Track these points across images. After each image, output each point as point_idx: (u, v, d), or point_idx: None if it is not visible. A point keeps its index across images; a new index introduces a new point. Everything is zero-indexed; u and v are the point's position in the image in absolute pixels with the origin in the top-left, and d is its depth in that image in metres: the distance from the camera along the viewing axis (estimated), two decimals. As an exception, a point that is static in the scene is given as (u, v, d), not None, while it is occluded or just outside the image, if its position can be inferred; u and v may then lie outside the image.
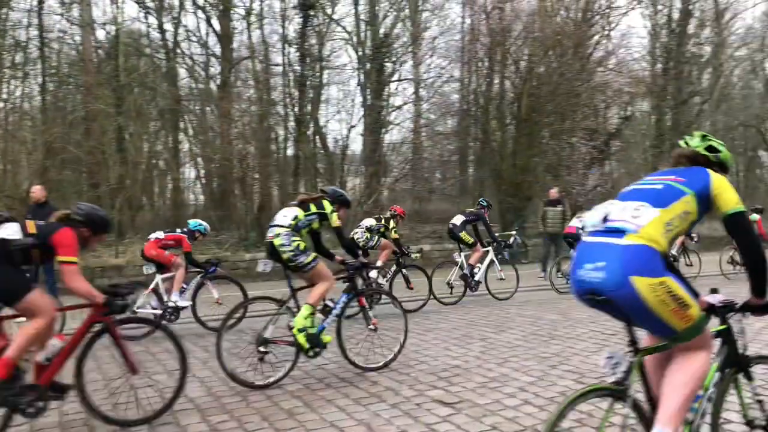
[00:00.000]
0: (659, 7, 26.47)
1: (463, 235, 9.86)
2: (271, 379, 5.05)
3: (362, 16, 20.62)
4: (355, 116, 20.85)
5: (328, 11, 20.14)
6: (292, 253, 5.23)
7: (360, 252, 7.30)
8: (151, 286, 7.66)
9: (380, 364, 5.53)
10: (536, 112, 19.80)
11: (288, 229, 5.30)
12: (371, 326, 5.76)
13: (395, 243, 9.03)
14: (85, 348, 4.12)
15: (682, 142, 3.05)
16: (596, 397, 2.62)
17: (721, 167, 2.92)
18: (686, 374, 2.59)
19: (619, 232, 2.52)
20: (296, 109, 20.00)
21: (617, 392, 2.57)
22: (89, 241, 4.24)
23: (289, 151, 21.22)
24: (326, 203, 5.59)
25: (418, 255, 10.06)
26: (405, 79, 21.80)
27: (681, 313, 2.46)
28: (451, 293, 9.72)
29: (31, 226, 3.97)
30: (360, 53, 20.47)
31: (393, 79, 21.18)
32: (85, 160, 16.98)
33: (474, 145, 23.22)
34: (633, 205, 2.60)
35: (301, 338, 5.15)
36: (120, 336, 4.20)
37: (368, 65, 20.03)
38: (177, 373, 4.40)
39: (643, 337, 2.81)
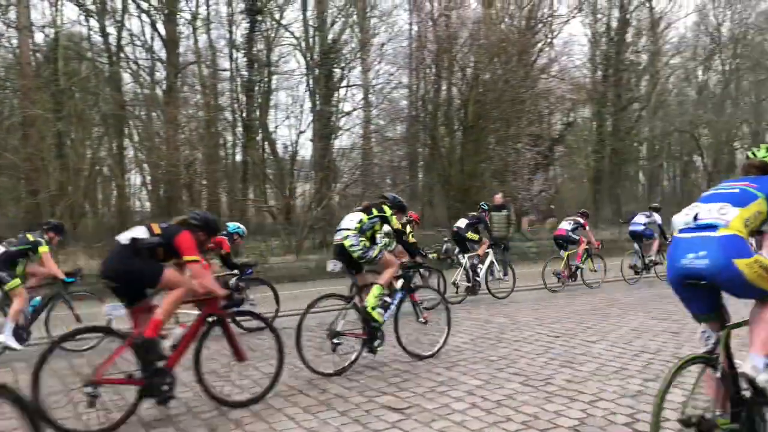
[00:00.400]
0: (599, 16, 27.45)
1: (469, 234, 10.54)
2: (341, 367, 5.59)
3: (310, 22, 20.63)
4: (304, 122, 20.83)
5: (276, 16, 20.09)
6: (361, 251, 5.93)
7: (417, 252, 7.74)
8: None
9: (431, 352, 6.19)
10: (482, 118, 20.20)
11: (355, 231, 5.96)
12: (422, 320, 6.39)
13: (412, 246, 9.09)
14: (202, 338, 4.67)
15: (750, 154, 3.59)
16: (693, 364, 3.18)
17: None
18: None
19: (712, 227, 3.08)
20: (244, 114, 19.82)
21: (709, 360, 3.20)
22: (204, 243, 4.86)
23: (238, 157, 21.02)
24: (386, 208, 6.26)
25: (434, 255, 10.82)
26: (354, 85, 21.92)
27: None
28: (456, 293, 10.23)
29: (156, 227, 4.59)
30: (308, 59, 20.44)
31: (342, 84, 21.25)
32: (23, 166, 16.40)
33: (423, 151, 23.49)
34: (717, 206, 3.15)
35: (375, 314, 5.84)
36: (230, 327, 4.88)
37: (317, 71, 20.03)
38: (275, 362, 4.95)
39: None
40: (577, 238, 11.96)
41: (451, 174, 20.51)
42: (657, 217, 13.04)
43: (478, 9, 23.11)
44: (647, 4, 27.91)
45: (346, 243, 5.92)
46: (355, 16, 22.21)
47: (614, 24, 27.09)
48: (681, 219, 3.26)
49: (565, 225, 12.16)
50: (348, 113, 21.36)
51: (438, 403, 4.68)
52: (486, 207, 11.47)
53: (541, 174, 22.87)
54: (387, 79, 21.68)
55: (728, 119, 28.38)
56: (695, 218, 3.17)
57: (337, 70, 20.47)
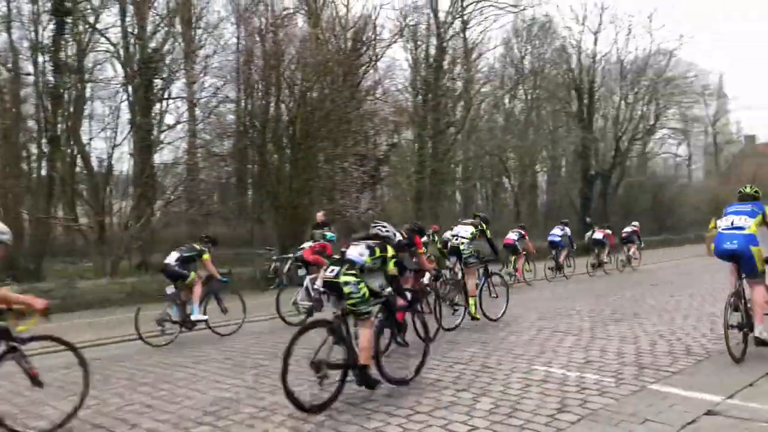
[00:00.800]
0: (419, 43, 29.06)
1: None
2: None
3: (130, 29, 19.40)
4: (121, 134, 19.47)
5: (91, 20, 18.62)
6: (468, 254, 9.04)
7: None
8: (306, 284, 10.04)
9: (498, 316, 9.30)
10: (310, 136, 20.33)
11: (468, 240, 9.12)
12: (494, 295, 9.62)
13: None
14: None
15: (741, 189, 6.70)
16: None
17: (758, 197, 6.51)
18: (761, 293, 6.05)
19: (741, 228, 6.10)
20: (50, 124, 18.07)
21: None
22: None
23: (44, 171, 19.08)
24: (482, 223, 9.51)
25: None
26: (177, 98, 20.93)
27: (762, 261, 6.03)
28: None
29: None
30: (127, 68, 19.20)
31: (164, 96, 20.21)
32: None
33: (252, 168, 23.07)
34: (742, 217, 6.16)
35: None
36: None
37: (136, 81, 18.86)
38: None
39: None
40: (521, 247, 15.18)
41: (280, 191, 20.34)
42: (568, 230, 17.26)
43: (305, 27, 23.36)
44: (461, 35, 30.12)
45: (464, 250, 9.15)
46: (178, 26, 21.33)
47: (433, 51, 28.87)
48: (723, 223, 6.32)
49: (512, 235, 15.29)
50: (171, 126, 20.34)
51: (259, 429, 4.58)
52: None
53: (368, 192, 23.53)
54: (213, 92, 21.05)
55: (530, 145, 31.43)
56: (732, 223, 6.20)
57: (158, 81, 19.44)
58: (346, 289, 5.25)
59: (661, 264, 21.21)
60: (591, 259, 17.91)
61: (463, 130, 29.70)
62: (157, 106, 20.02)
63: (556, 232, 17.03)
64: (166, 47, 20.13)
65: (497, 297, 9.56)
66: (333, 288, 5.40)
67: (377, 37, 24.25)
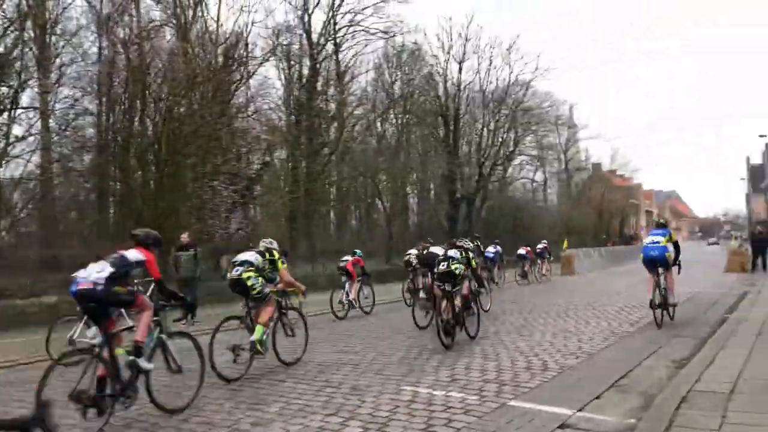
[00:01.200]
0: (292, 62, 29.05)
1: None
2: None
3: (-29, 31, 17.67)
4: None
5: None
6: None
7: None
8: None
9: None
10: (178, 153, 19.56)
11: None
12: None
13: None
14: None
15: (656, 220, 13.02)
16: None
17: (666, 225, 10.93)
18: (671, 279, 10.15)
19: (659, 243, 10.04)
20: None
21: None
22: None
23: None
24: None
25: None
26: (28, 108, 19.29)
27: (671, 261, 10.10)
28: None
29: None
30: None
31: (12, 106, 18.54)
32: None
33: (114, 185, 21.70)
34: (658, 236, 10.16)
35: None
36: None
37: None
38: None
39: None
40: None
41: (144, 210, 19.29)
42: (499, 249, 20.45)
43: (173, 41, 22.55)
44: (334, 57, 30.52)
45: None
46: (31, 31, 19.75)
47: (306, 71, 28.97)
48: (646, 240, 10.61)
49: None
50: (22, 138, 18.68)
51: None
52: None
53: (239, 212, 22.96)
54: (71, 104, 19.66)
55: (401, 167, 32.39)
56: (653, 241, 10.09)
57: (5, 89, 17.84)
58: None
59: (516, 283, 22.49)
60: (518, 270, 22.26)
61: (337, 152, 29.97)
62: (5, 115, 18.34)
63: (491, 250, 19.86)
64: (16, 52, 18.56)
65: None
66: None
67: (249, 55, 23.92)
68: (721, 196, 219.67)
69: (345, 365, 7.59)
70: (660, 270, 9.89)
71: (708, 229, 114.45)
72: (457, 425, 4.88)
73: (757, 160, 79.36)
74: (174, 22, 24.13)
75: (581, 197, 62.99)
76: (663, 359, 7.39)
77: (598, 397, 5.64)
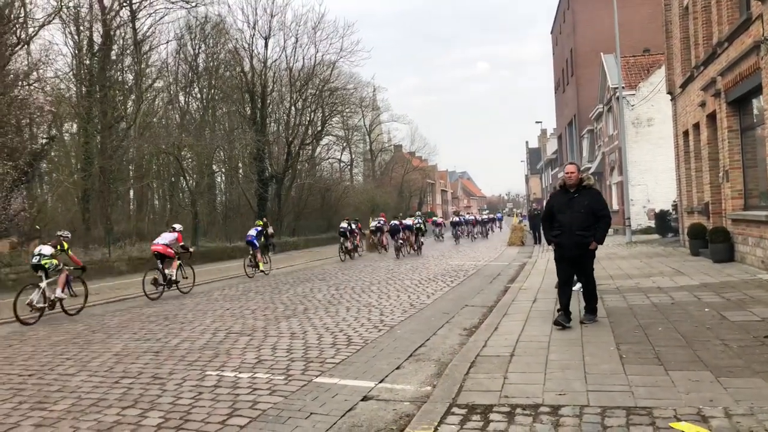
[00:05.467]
0: (81, 28, 26.35)
1: None
2: None
3: None
4: None
5: None
6: None
7: None
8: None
9: None
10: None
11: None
12: None
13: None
14: None
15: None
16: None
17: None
18: None
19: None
20: None
21: None
22: None
23: None
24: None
25: None
26: None
27: None
28: None
29: None
30: None
31: None
32: None
33: None
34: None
35: None
36: None
37: None
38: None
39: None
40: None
41: None
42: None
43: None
44: (131, 25, 28.27)
45: None
46: None
47: (97, 38, 26.48)
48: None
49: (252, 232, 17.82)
50: None
51: None
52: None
53: (20, 191, 20.50)
54: None
55: (207, 144, 31.05)
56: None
57: None
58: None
59: (328, 259, 23.01)
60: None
61: (135, 126, 27.94)
62: None
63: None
64: None
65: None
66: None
67: (27, 15, 21.26)
68: (504, 176, 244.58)
69: (146, 353, 7.21)
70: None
71: (494, 207, 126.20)
72: (263, 407, 4.90)
73: (534, 144, 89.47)
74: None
75: (384, 177, 65.90)
76: (455, 328, 8.08)
77: (398, 368, 6.01)
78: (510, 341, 6.47)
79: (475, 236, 39.72)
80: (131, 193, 31.89)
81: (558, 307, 7.31)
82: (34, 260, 10.62)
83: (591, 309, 7.32)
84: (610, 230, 33.01)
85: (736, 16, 12.31)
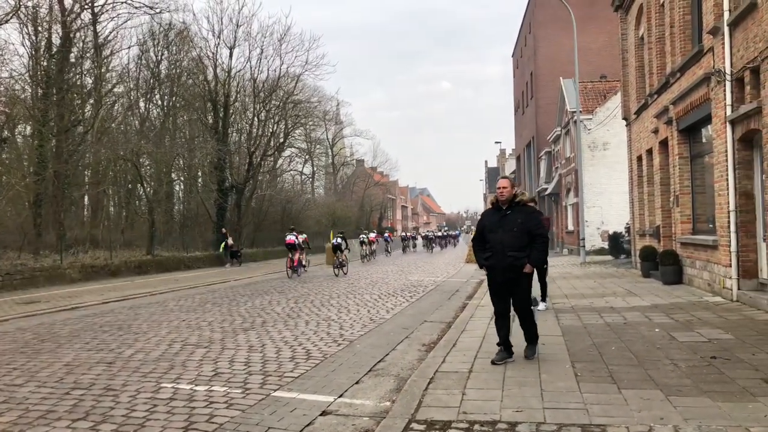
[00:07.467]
0: (39, 29, 25.71)
1: None
2: None
3: None
4: None
5: None
6: None
7: None
8: None
9: None
10: None
11: None
12: None
13: None
14: None
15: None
16: None
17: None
18: None
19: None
20: None
21: None
22: None
23: None
24: None
25: None
26: None
27: None
28: None
29: None
30: None
31: None
32: None
33: None
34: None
35: None
36: None
37: None
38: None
39: None
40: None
41: None
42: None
43: None
44: (92, 28, 27.73)
45: None
46: None
47: (57, 40, 25.86)
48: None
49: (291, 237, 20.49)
50: None
51: None
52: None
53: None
54: None
55: (167, 151, 30.50)
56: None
57: None
58: None
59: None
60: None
61: (93, 130, 27.31)
62: None
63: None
64: None
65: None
66: None
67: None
68: (463, 194, 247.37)
69: (98, 364, 7.03)
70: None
71: (453, 224, 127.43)
72: (220, 420, 4.83)
73: (493, 163, 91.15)
74: None
75: (346, 191, 65.93)
76: (415, 343, 8.12)
77: (357, 383, 6.01)
78: (468, 357, 6.55)
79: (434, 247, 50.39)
80: (86, 199, 31.06)
81: (498, 341, 6.40)
82: None
83: (530, 338, 6.46)
84: (565, 250, 34.10)
85: (688, 47, 12.84)
